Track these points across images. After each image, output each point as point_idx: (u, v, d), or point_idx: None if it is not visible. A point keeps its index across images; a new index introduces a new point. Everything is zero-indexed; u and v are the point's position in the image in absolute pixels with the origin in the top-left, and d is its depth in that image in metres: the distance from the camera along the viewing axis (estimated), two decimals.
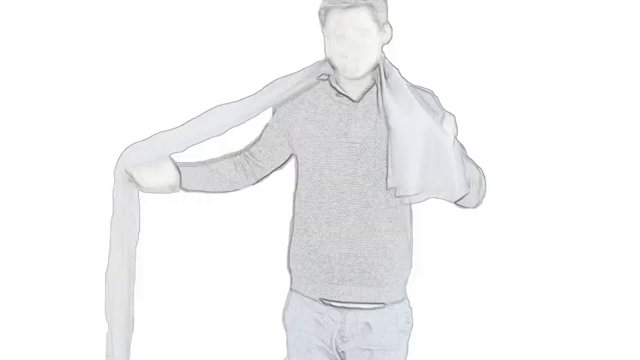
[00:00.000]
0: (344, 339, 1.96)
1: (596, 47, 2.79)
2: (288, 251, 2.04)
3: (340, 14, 1.83)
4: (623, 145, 2.81)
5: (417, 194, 1.85)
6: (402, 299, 2.01)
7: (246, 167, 2.07)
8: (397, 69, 1.95)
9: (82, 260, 2.82)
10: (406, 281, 2.02)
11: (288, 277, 2.05)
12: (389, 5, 1.93)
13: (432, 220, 2.16)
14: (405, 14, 2.12)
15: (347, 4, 1.82)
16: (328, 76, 1.97)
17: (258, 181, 2.09)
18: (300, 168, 2.00)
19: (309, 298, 1.98)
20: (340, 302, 1.94)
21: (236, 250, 2.79)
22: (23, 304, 2.85)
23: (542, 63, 2.79)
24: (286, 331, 2.05)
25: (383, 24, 1.88)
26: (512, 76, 2.77)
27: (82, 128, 2.83)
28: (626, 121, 2.81)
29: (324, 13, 1.87)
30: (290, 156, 2.06)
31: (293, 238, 2.02)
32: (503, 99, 2.78)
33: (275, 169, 2.09)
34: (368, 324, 1.95)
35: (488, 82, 2.74)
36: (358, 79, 1.90)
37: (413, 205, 1.98)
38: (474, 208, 2.01)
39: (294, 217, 2.02)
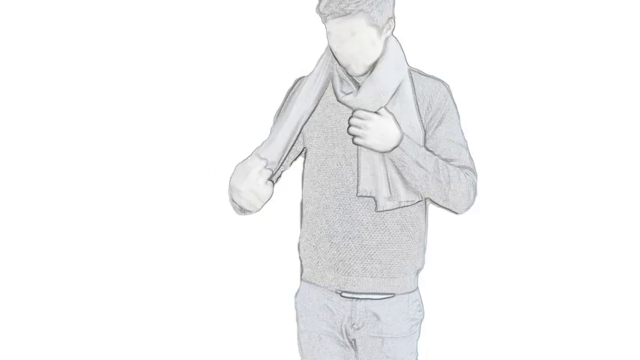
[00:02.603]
0: (355, 326, 1.96)
1: (594, 49, 2.80)
2: (299, 243, 2.04)
3: (336, 23, 1.81)
4: (623, 146, 2.81)
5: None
6: (414, 290, 2.00)
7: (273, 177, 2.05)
8: (402, 50, 1.93)
9: (82, 260, 2.83)
10: (418, 272, 2.01)
11: (299, 268, 2.05)
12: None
13: (436, 217, 2.16)
14: (404, 14, 2.13)
15: (340, 14, 1.79)
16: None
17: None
18: (307, 162, 1.99)
19: (321, 286, 2.00)
20: (350, 293, 1.94)
21: (244, 246, 2.79)
22: (23, 303, 2.85)
23: (540, 64, 2.79)
24: (297, 318, 2.05)
25: (383, 25, 1.86)
26: (510, 77, 2.78)
27: (82, 128, 2.83)
28: (625, 122, 2.81)
29: (322, 19, 1.86)
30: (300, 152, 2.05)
31: (302, 230, 2.02)
32: (501, 99, 2.78)
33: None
34: (377, 314, 1.95)
35: (486, 81, 2.75)
36: (361, 75, 1.90)
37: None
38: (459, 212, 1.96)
39: (302, 209, 2.02)
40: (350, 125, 1.83)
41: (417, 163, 1.84)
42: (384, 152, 1.84)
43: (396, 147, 1.83)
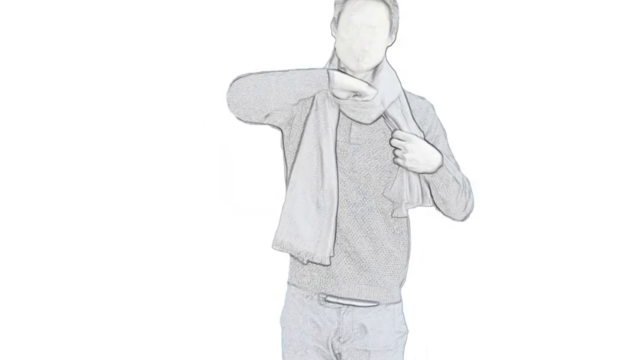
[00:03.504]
0: (341, 340, 1.96)
1: (591, 52, 2.80)
2: None
3: (361, 4, 1.87)
4: (621, 150, 2.81)
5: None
6: (398, 302, 2.02)
7: None
8: (395, 71, 1.97)
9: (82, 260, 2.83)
10: (401, 285, 2.03)
11: (287, 271, 2.05)
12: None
13: (427, 222, 2.16)
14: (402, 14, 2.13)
15: None
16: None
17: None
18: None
19: (306, 295, 1.98)
20: (336, 297, 1.95)
21: (232, 248, 2.79)
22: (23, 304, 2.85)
23: (538, 65, 2.79)
24: (282, 330, 2.04)
25: (393, 29, 1.92)
26: (508, 79, 2.78)
27: (82, 128, 2.84)
28: (622, 127, 2.81)
29: (342, 1, 1.91)
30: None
31: None
32: (499, 101, 2.78)
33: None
34: (364, 325, 1.95)
35: (483, 84, 2.75)
36: (362, 72, 1.91)
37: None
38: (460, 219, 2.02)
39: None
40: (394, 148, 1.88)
41: (455, 179, 1.92)
42: (426, 173, 1.89)
43: (441, 166, 1.89)
